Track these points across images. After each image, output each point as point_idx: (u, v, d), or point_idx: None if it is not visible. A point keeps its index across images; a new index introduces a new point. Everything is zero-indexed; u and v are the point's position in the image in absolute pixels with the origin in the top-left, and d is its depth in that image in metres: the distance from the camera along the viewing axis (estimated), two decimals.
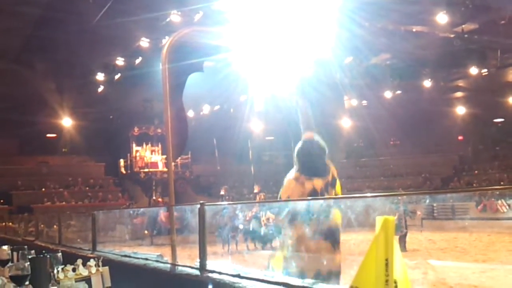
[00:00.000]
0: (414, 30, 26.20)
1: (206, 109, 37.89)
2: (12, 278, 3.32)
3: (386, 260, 0.86)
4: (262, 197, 23.59)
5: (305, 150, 6.12)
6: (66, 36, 25.99)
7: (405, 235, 15.98)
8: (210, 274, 5.24)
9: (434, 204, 19.38)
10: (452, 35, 25.78)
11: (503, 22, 22.09)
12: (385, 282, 0.82)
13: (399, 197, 15.56)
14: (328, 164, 6.08)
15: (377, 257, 0.85)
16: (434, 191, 23.79)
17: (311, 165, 5.91)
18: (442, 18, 23.42)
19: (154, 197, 33.51)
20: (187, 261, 6.18)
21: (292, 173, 6.04)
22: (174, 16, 24.02)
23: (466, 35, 25.39)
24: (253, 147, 38.69)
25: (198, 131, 36.62)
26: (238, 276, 4.79)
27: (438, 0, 22.73)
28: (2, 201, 32.69)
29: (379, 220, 0.89)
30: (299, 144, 6.35)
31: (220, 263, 5.75)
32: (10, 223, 22.32)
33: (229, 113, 36.46)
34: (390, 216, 0.95)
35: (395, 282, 0.85)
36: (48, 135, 37.39)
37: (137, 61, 29.84)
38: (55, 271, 3.33)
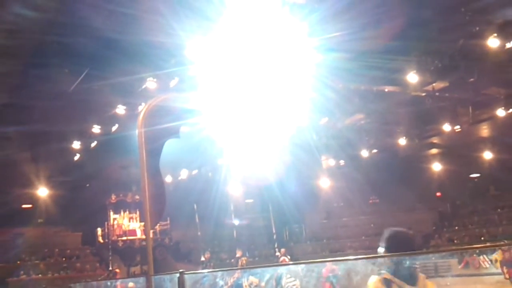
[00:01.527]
0: (386, 90, 26.77)
1: (184, 174, 37.74)
2: None
3: None
4: (244, 261, 23.26)
5: (404, 244, 4.80)
6: (41, 104, 25.98)
7: None
8: None
9: (417, 263, 19.32)
10: (423, 94, 26.38)
11: (471, 79, 22.72)
12: None
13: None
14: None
15: None
16: (422, 252, 23.64)
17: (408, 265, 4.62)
18: (412, 77, 24.00)
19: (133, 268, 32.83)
20: None
21: (377, 276, 4.67)
22: (150, 83, 24.24)
23: (437, 93, 26.01)
24: (233, 210, 38.52)
25: (177, 196, 36.38)
26: None
27: (408, 62, 23.36)
28: None
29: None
30: (389, 233, 4.99)
31: None
32: None
33: (207, 177, 36.35)
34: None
35: None
36: (23, 205, 36.70)
37: (114, 128, 29.84)
38: None
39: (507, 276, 19.63)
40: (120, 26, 19.18)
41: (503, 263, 20.57)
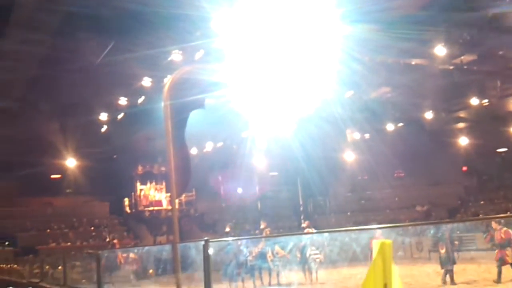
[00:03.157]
0: (413, 63, 26.46)
1: (209, 146, 38.00)
2: None
3: (385, 285, 0.85)
4: (268, 232, 23.47)
5: None
6: (69, 76, 26.31)
7: (452, 269, 15.48)
8: None
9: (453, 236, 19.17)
10: (451, 67, 26.01)
11: (501, 52, 22.32)
12: None
13: (445, 228, 15.18)
14: None
15: (375, 282, 0.84)
16: (446, 221, 23.60)
17: None
18: (440, 50, 23.66)
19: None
20: None
21: None
22: (176, 55, 24.36)
23: (465, 67, 25.62)
24: (257, 183, 38.74)
25: (202, 168, 36.73)
26: None
27: (437, 33, 23.01)
28: (7, 243, 32.55)
29: (376, 244, 0.87)
30: None
31: None
32: (15, 265, 22.24)
33: (232, 149, 36.55)
34: (386, 240, 0.94)
35: None
36: (53, 176, 37.44)
37: (140, 100, 30.12)
38: None
39: None
40: None
41: None
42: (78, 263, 16.60)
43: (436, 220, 31.23)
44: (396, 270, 0.91)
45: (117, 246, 24.19)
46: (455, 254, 16.47)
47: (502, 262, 14.86)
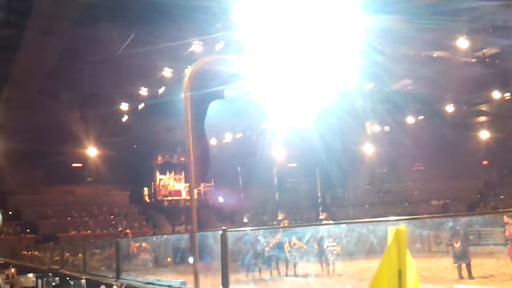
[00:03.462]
0: (435, 55, 26.22)
1: (228, 137, 38.11)
2: None
3: (399, 271, 0.87)
4: (286, 224, 23.53)
5: None
6: (91, 67, 26.56)
7: (469, 263, 15.31)
8: None
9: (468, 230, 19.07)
10: (473, 60, 25.73)
11: None
12: None
13: (461, 222, 14.98)
14: None
15: (390, 268, 0.87)
16: (464, 214, 23.40)
17: None
18: (463, 43, 23.41)
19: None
20: None
21: None
22: (196, 46, 24.43)
23: (487, 59, 25.33)
24: (276, 174, 38.77)
25: (221, 159, 36.87)
26: None
27: (459, 26, 22.76)
28: (28, 230, 33.07)
29: (390, 231, 0.88)
30: None
31: None
32: (36, 252, 22.60)
33: (251, 140, 36.61)
34: (401, 226, 0.96)
35: None
36: (74, 164, 37.88)
37: (160, 90, 30.29)
38: None
39: None
40: None
41: None
42: (97, 250, 16.85)
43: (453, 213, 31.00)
44: (411, 259, 0.91)
45: (130, 235, 24.47)
46: (470, 248, 16.31)
47: None
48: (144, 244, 17.64)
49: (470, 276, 15.03)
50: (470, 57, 25.84)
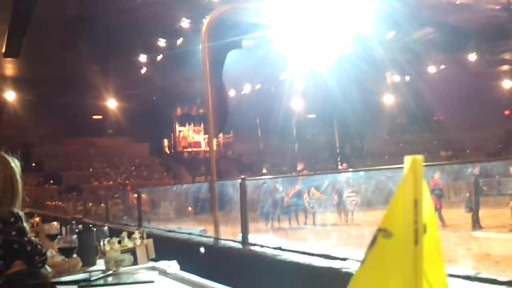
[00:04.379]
0: (457, 2, 25.59)
1: (247, 88, 38.01)
2: (61, 250, 3.51)
3: (415, 201, 0.87)
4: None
5: None
6: (108, 18, 26.40)
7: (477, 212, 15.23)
8: (252, 247, 5.39)
9: (480, 180, 19.00)
10: (497, 7, 25.07)
11: None
12: (414, 222, 0.84)
13: (468, 171, 14.81)
14: None
15: (405, 198, 0.87)
16: (484, 160, 23.21)
17: None
18: None
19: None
20: (229, 236, 6.36)
21: None
22: None
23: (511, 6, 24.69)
24: (295, 125, 38.76)
25: (240, 110, 36.85)
26: (280, 248, 4.93)
27: None
28: (52, 181, 33.69)
29: (407, 160, 0.88)
30: None
31: (261, 238, 5.89)
32: (60, 203, 23.05)
33: (270, 91, 36.47)
34: (418, 155, 0.95)
35: (424, 226, 0.87)
36: (94, 116, 38.22)
37: (179, 41, 30.11)
38: (101, 243, 3.49)
39: None
40: None
41: None
42: (119, 201, 17.15)
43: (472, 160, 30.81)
44: (428, 189, 0.92)
45: (129, 187, 24.81)
46: (490, 198, 16.21)
47: None
48: (164, 194, 17.89)
49: (476, 227, 14.92)
50: (494, 4, 25.17)
